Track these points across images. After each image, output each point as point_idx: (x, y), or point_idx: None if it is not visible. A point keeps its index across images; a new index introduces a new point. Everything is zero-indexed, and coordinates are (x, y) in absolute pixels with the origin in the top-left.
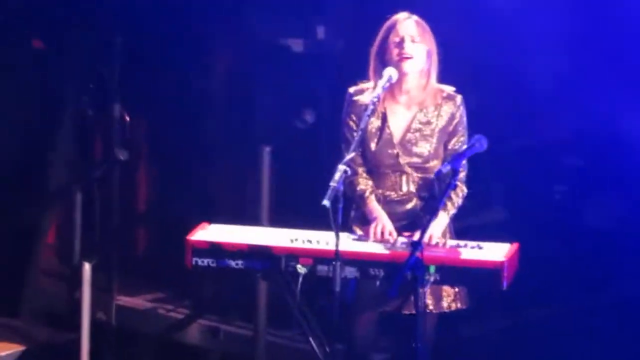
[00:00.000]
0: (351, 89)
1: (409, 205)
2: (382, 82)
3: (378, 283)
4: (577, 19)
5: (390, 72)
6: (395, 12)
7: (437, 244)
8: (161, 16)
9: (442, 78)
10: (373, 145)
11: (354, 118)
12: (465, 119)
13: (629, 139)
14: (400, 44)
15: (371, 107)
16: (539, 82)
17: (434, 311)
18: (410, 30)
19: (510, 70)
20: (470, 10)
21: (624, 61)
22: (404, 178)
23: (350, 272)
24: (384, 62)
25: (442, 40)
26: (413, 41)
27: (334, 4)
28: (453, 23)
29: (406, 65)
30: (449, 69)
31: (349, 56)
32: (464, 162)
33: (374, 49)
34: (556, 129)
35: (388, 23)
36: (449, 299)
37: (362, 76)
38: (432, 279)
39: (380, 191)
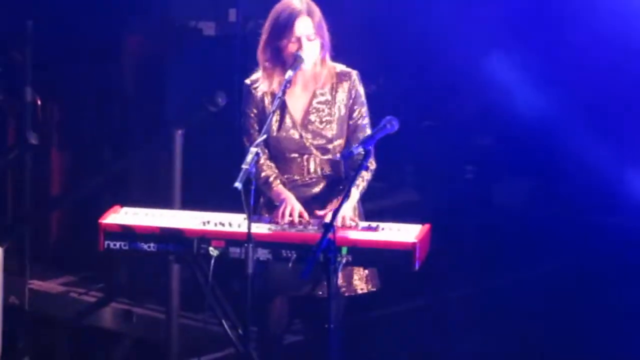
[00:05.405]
0: (247, 80)
1: (317, 189)
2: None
3: (290, 265)
4: (483, 2)
5: (301, 60)
6: None
7: (349, 226)
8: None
9: (350, 63)
10: (275, 131)
11: (253, 108)
12: (362, 92)
13: (537, 118)
14: (298, 43)
15: (282, 89)
16: (448, 64)
17: (346, 293)
18: (306, 30)
19: (419, 52)
20: None
21: (530, 43)
22: (311, 161)
23: (263, 254)
24: (280, 51)
25: (351, 24)
26: (309, 39)
27: None
28: (360, 6)
29: (305, 62)
30: (358, 52)
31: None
32: None
33: (265, 34)
34: (466, 109)
35: (282, 17)
36: (360, 281)
37: None
38: (344, 260)
39: (287, 176)
